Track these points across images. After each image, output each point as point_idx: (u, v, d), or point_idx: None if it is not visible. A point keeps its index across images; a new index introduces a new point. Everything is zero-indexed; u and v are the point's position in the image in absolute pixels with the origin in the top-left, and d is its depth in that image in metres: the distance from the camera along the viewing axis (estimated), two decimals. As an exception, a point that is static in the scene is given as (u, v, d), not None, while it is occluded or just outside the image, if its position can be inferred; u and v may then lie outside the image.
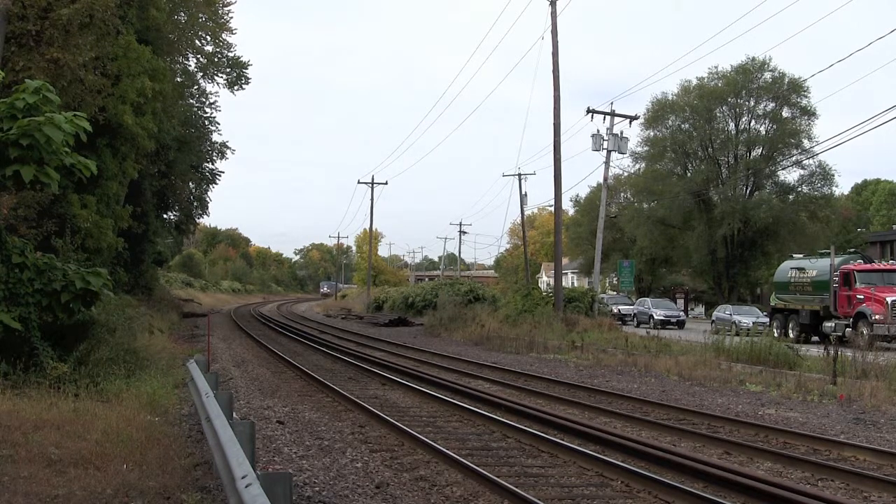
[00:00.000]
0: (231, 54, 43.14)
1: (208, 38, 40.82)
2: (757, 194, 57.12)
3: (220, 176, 50.61)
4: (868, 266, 30.74)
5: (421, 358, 24.75)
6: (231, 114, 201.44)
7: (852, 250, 37.19)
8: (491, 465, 9.68)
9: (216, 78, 43.83)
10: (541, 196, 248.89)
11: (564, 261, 51.86)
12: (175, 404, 13.28)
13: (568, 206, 74.09)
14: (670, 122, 59.58)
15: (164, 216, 48.07)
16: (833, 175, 56.60)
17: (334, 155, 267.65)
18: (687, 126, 58.86)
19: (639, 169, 61.95)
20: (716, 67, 58.36)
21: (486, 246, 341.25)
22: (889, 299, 27.09)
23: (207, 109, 46.25)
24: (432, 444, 10.44)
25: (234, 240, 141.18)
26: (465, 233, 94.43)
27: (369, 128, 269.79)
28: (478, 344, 31.01)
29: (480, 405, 14.27)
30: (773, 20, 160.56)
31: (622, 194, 65.65)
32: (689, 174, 59.60)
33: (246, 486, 5.45)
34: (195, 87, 44.45)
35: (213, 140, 48.16)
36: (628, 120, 40.29)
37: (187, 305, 54.45)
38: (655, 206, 59.42)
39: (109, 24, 21.58)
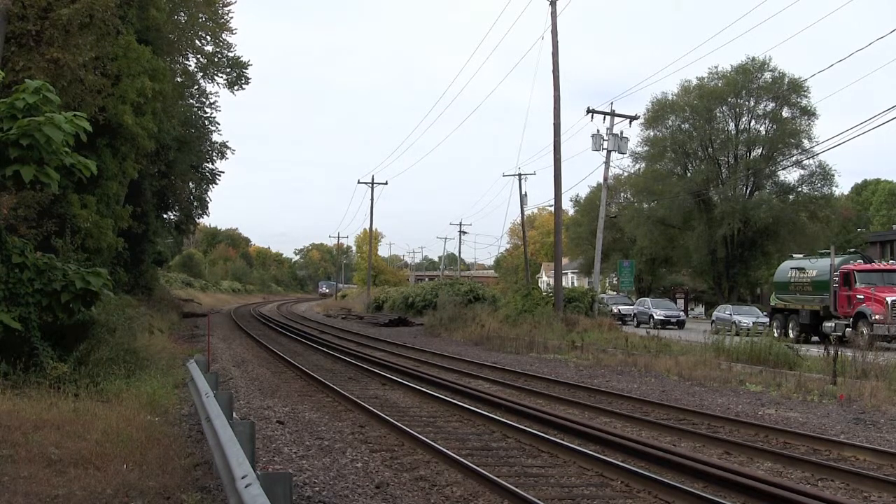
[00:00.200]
0: (231, 54, 43.21)
1: (208, 38, 40.84)
2: (757, 194, 57.13)
3: (220, 176, 50.69)
4: (868, 266, 30.74)
5: (421, 358, 24.75)
6: (231, 114, 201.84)
7: (852, 250, 37.19)
8: (491, 465, 9.68)
9: (216, 78, 43.89)
10: (541, 196, 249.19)
11: (564, 261, 51.86)
12: (175, 404, 13.28)
13: (568, 206, 74.20)
14: (670, 122, 59.60)
15: (164, 216, 48.07)
16: (833, 175, 56.72)
17: (334, 155, 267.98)
18: (687, 126, 58.87)
19: (639, 169, 62.04)
20: (716, 67, 58.50)
21: (486, 246, 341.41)
22: (889, 299, 27.09)
23: (207, 109, 46.32)
24: (432, 444, 10.44)
25: (234, 240, 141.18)
26: (465, 233, 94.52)
27: (369, 128, 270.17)
28: (478, 344, 31.01)
29: (480, 405, 14.27)
30: (773, 20, 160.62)
31: (622, 194, 65.66)
32: (689, 174, 59.62)
33: (246, 486, 5.45)
34: (195, 87, 44.46)
35: (213, 140, 48.20)
36: (628, 120, 40.31)
37: (187, 305, 54.44)
38: (655, 206, 59.43)
39: (109, 24, 21.58)
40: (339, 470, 9.39)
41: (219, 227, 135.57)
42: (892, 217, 76.36)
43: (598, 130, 39.35)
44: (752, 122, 57.93)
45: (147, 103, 26.74)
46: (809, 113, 56.13)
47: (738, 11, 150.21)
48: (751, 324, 32.02)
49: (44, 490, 7.49)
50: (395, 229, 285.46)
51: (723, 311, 39.95)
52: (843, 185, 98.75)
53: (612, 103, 39.94)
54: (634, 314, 45.59)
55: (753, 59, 56.56)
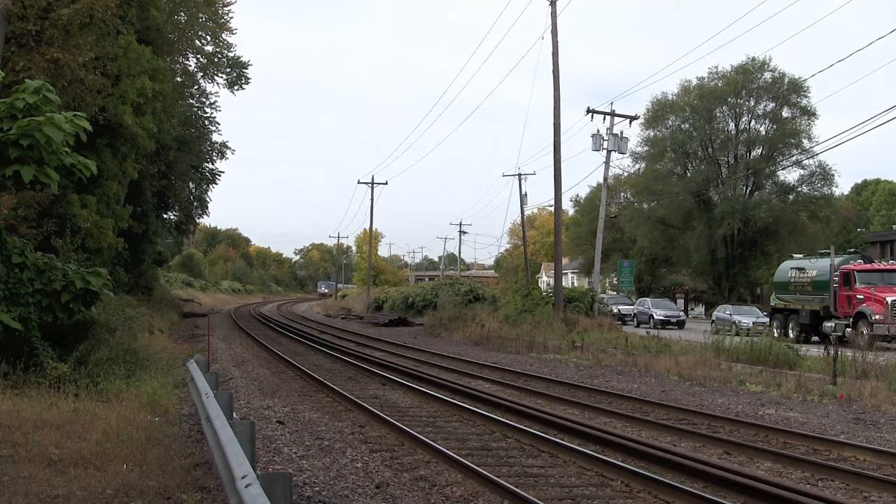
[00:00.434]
0: (231, 54, 43.18)
1: (208, 38, 40.82)
2: (757, 194, 57.15)
3: (220, 176, 50.64)
4: (868, 266, 30.73)
5: (421, 358, 24.75)
6: (231, 114, 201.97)
7: (852, 250, 37.18)
8: (491, 465, 9.68)
9: (216, 78, 43.86)
10: (541, 196, 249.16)
11: (564, 261, 51.86)
12: (175, 404, 13.28)
13: (568, 206, 74.20)
14: (670, 122, 59.61)
15: (164, 216, 48.03)
16: (833, 175, 56.74)
17: (334, 155, 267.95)
18: (687, 126, 58.87)
19: (639, 169, 62.05)
20: (716, 67, 58.52)
21: (486, 246, 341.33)
22: (889, 299, 27.09)
23: (207, 109, 46.27)
24: (432, 444, 10.44)
25: (234, 240, 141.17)
26: (465, 233, 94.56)
27: (369, 128, 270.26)
28: (478, 344, 31.01)
29: (480, 405, 14.26)
30: (773, 20, 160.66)
31: (622, 194, 65.66)
32: (689, 174, 59.63)
33: (246, 486, 5.45)
34: (195, 87, 44.43)
35: (213, 140, 48.15)
36: (628, 120, 40.31)
37: (187, 305, 54.45)
38: (655, 206, 59.44)
39: (109, 24, 21.57)
40: (339, 470, 9.39)
41: (219, 227, 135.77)
42: (892, 217, 76.34)
43: (598, 130, 39.40)
44: (752, 122, 57.98)
45: (147, 103, 26.72)
46: (809, 113, 56.16)
47: (738, 11, 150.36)
48: (751, 324, 32.02)
49: (44, 490, 7.49)
50: (395, 229, 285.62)
51: (723, 311, 39.95)
52: (843, 185, 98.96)
53: (612, 103, 40.01)
54: (634, 314, 45.59)
55: (753, 59, 56.65)
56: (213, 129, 47.31)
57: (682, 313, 46.82)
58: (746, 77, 56.49)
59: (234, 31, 46.51)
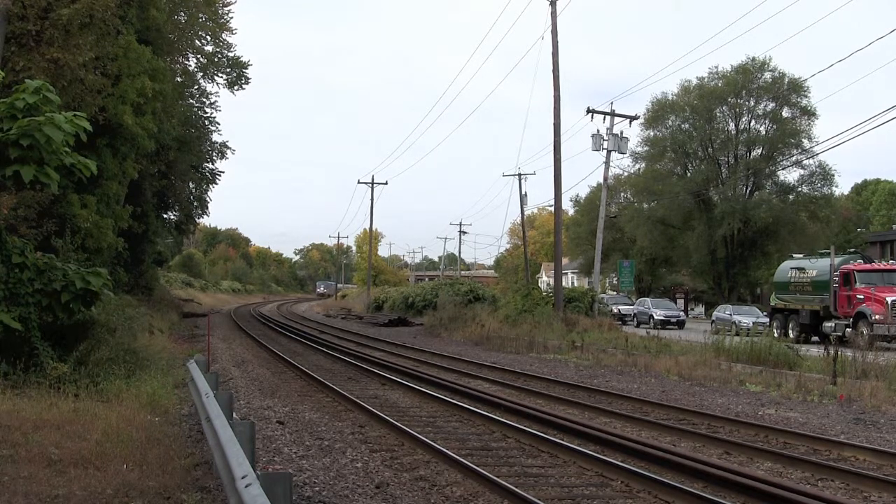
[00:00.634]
0: (231, 54, 43.18)
1: (208, 38, 40.82)
2: (757, 194, 57.14)
3: (220, 176, 50.61)
4: (868, 266, 30.73)
5: (421, 358, 24.75)
6: (231, 114, 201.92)
7: (852, 250, 37.18)
8: (491, 465, 9.68)
9: (216, 78, 43.86)
10: (541, 196, 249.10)
11: (564, 261, 51.86)
12: (175, 404, 13.28)
13: (568, 206, 74.20)
14: (670, 122, 59.61)
15: (164, 216, 48.03)
16: (833, 175, 56.72)
17: (334, 155, 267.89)
18: (687, 126, 58.87)
19: (639, 169, 62.04)
20: (716, 67, 58.52)
21: (486, 246, 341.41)
22: (889, 299, 27.09)
23: (207, 109, 46.26)
24: (432, 444, 10.44)
25: (234, 240, 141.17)
26: (465, 233, 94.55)
27: (369, 128, 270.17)
28: (478, 344, 31.01)
29: (480, 405, 14.27)
30: (773, 20, 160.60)
31: (622, 194, 65.65)
32: (689, 174, 59.62)
33: (246, 486, 5.45)
34: (195, 87, 44.42)
35: (213, 140, 48.15)
36: (628, 120, 40.29)
37: (187, 305, 54.45)
38: (655, 206, 59.44)
39: (109, 24, 21.57)
40: (339, 470, 9.39)
41: (219, 227, 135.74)
42: (892, 217, 76.33)
43: (598, 130, 39.37)
44: (752, 122, 57.97)
45: (147, 103, 26.72)
46: (809, 113, 56.15)
47: (738, 11, 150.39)
48: (751, 324, 32.01)
49: (44, 490, 7.49)
50: (395, 229, 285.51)
51: (723, 311, 39.94)
52: (843, 185, 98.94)
53: (612, 103, 39.97)
54: (634, 314, 45.59)
55: (753, 59, 56.64)
56: (213, 129, 47.37)
57: (682, 313, 46.83)
58: (746, 77, 56.49)
59: (234, 31, 46.55)
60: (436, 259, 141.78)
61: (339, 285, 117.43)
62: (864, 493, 8.73)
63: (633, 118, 40.77)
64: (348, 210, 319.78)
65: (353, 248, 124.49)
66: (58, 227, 21.32)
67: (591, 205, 64.40)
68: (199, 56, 41.72)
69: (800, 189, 57.49)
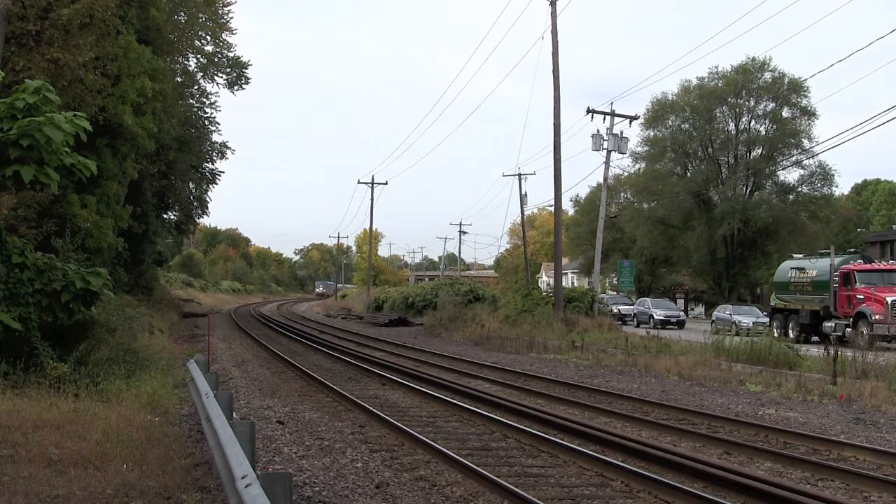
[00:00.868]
0: (231, 54, 43.18)
1: (208, 38, 40.81)
2: (757, 194, 57.14)
3: (220, 176, 50.62)
4: (868, 266, 30.73)
5: (421, 358, 24.75)
6: (231, 114, 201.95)
7: (852, 250, 37.18)
8: (491, 465, 9.68)
9: (216, 78, 43.86)
10: (541, 196, 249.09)
11: (564, 261, 51.86)
12: (175, 404, 13.28)
13: (568, 206, 74.21)
14: (670, 122, 59.62)
15: (164, 216, 48.03)
16: (833, 175, 56.74)
17: (334, 155, 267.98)
18: (687, 126, 58.88)
19: (639, 169, 62.05)
20: (716, 67, 58.53)
21: (486, 246, 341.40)
22: (889, 299, 27.08)
23: (207, 109, 46.26)
24: (432, 444, 10.44)
25: (234, 240, 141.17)
26: (465, 233, 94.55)
27: (369, 128, 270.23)
28: (478, 344, 31.01)
29: (480, 405, 14.27)
30: (773, 20, 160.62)
31: (622, 194, 65.65)
32: (689, 174, 59.63)
33: (246, 486, 5.45)
34: (195, 87, 44.42)
35: (213, 140, 48.15)
36: (628, 120, 40.29)
37: (187, 305, 54.45)
38: (655, 206, 59.44)
39: (109, 24, 21.57)
40: (339, 470, 9.39)
41: (219, 227, 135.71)
42: (892, 217, 76.33)
43: (598, 130, 39.37)
44: (752, 122, 57.97)
45: (147, 103, 26.72)
46: (809, 113, 56.16)
47: (738, 11, 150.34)
48: (751, 324, 32.00)
49: (44, 490, 7.49)
50: (395, 229, 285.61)
51: (723, 311, 39.94)
52: (843, 185, 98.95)
53: (612, 103, 39.98)
54: (634, 314, 45.58)
55: (753, 59, 56.65)
56: (213, 129, 47.37)
57: (682, 313, 46.83)
58: (746, 77, 56.49)
59: (234, 31, 46.56)
60: (436, 259, 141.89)
61: (339, 285, 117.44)
62: (864, 493, 8.73)
63: (633, 118, 40.79)
64: (348, 210, 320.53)
65: (353, 248, 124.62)
66: (58, 227, 21.32)
67: (591, 205, 64.40)
68: (199, 56, 41.73)
69: (800, 189, 57.52)
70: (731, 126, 58.36)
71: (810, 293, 31.85)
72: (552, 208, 41.45)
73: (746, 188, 57.53)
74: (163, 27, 32.28)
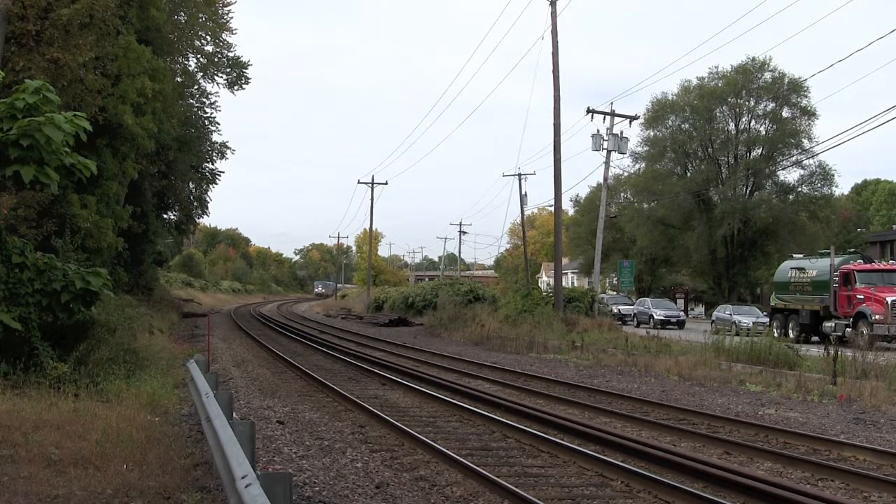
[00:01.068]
0: (231, 54, 43.19)
1: (208, 38, 40.81)
2: (757, 194, 57.15)
3: (220, 176, 50.61)
4: (868, 266, 30.73)
5: (421, 358, 24.75)
6: (231, 114, 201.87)
7: (852, 250, 37.18)
8: (491, 465, 9.68)
9: (216, 78, 43.87)
10: (541, 196, 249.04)
11: (564, 261, 51.85)
12: (175, 404, 13.28)
13: (568, 206, 74.21)
14: (670, 122, 59.63)
15: (164, 216, 48.03)
16: (833, 175, 56.76)
17: (334, 155, 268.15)
18: (687, 126, 58.88)
19: (639, 169, 62.06)
20: (716, 67, 58.55)
21: (486, 246, 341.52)
22: (889, 299, 27.08)
23: (207, 109, 46.26)
24: (432, 444, 10.44)
25: (234, 240, 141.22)
26: (465, 233, 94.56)
27: (369, 128, 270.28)
28: (478, 344, 31.01)
29: (480, 405, 14.27)
30: (773, 20, 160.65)
31: (622, 194, 65.65)
32: (689, 174, 59.64)
33: (246, 486, 5.45)
34: (195, 87, 44.42)
35: (213, 140, 48.15)
36: (628, 120, 40.28)
37: (187, 305, 54.45)
38: (655, 206, 59.45)
39: (109, 24, 21.55)
40: (339, 470, 9.39)
41: (219, 227, 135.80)
42: (892, 217, 76.34)
43: (598, 130, 39.36)
44: (752, 122, 57.98)
45: (147, 103, 26.71)
46: (809, 113, 56.17)
47: (738, 11, 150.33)
48: (751, 324, 32.00)
49: (44, 490, 7.49)
50: (395, 229, 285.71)
51: (723, 311, 39.94)
52: (843, 185, 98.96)
53: (612, 103, 39.98)
54: (634, 314, 45.58)
55: (753, 59, 56.66)
56: (213, 129, 47.39)
57: (682, 313, 46.83)
58: (746, 77, 56.49)
59: (234, 31, 46.60)
60: (436, 259, 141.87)
61: (339, 285, 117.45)
62: (864, 493, 8.73)
63: (632, 118, 40.78)
64: (348, 210, 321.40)
65: (353, 248, 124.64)
66: (58, 227, 21.31)
67: (591, 205, 64.41)
68: (199, 56, 41.73)
69: (800, 189, 57.54)
70: (731, 126, 58.40)
71: (810, 293, 31.86)
72: (552, 208, 41.49)
73: (746, 188, 57.53)
74: (163, 27, 32.27)
